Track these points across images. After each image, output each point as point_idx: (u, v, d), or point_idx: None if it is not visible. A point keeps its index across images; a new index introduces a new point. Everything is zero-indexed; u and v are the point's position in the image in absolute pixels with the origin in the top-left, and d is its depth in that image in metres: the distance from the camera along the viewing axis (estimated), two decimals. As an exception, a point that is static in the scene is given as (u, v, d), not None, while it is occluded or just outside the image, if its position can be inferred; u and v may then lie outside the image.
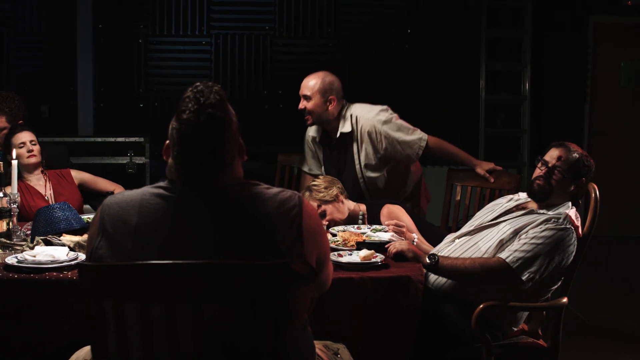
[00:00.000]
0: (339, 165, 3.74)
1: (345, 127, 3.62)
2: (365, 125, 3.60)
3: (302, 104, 3.61)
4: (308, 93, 3.58)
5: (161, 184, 1.70)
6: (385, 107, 3.68)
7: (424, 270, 2.59)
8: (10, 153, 3.39)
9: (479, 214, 2.92)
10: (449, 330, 2.58)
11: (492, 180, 3.60)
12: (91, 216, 3.11)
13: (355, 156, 3.66)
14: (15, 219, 2.88)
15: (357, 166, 3.67)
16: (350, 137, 3.63)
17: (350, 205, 3.32)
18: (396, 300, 2.42)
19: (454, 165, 3.87)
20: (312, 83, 3.58)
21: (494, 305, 2.49)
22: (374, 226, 3.11)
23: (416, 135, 3.64)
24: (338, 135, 3.63)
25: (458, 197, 3.77)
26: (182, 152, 1.67)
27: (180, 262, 1.54)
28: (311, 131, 3.80)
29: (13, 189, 2.93)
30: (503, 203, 2.87)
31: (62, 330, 2.29)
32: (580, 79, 6.75)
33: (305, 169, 3.95)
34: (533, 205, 2.75)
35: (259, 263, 1.57)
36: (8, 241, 2.74)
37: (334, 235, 2.97)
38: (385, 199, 3.44)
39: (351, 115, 3.62)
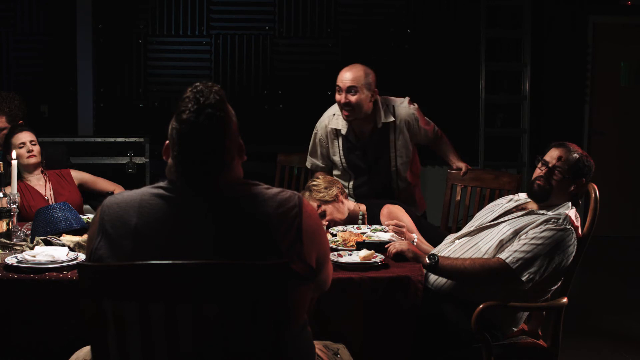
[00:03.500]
0: (370, 156, 3.69)
1: (387, 117, 3.62)
2: (403, 115, 3.65)
3: (345, 98, 3.49)
4: (356, 85, 3.48)
5: (161, 184, 1.70)
6: (406, 98, 3.74)
7: (424, 271, 2.59)
8: (10, 153, 3.39)
9: (478, 214, 2.92)
10: (448, 331, 2.58)
11: (461, 174, 3.77)
12: (91, 216, 3.11)
13: (392, 145, 3.66)
14: (15, 219, 2.88)
15: (392, 154, 3.67)
16: (389, 126, 3.64)
17: (350, 205, 3.32)
18: (396, 300, 2.41)
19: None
20: (357, 75, 3.49)
21: (494, 306, 2.49)
22: (374, 226, 3.11)
23: (431, 126, 3.79)
24: (380, 125, 3.61)
25: (458, 198, 3.77)
26: (182, 152, 1.67)
27: (180, 263, 1.54)
28: (333, 124, 3.69)
29: (13, 189, 2.93)
30: (503, 203, 2.87)
31: (62, 330, 2.29)
32: (580, 79, 6.75)
33: (309, 164, 3.87)
34: (533, 206, 2.75)
35: (258, 263, 1.57)
36: (8, 241, 2.74)
37: (333, 235, 2.97)
38: (387, 199, 3.44)
39: (387, 105, 3.64)
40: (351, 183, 3.77)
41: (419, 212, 3.82)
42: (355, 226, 3.16)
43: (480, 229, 2.76)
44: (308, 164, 3.89)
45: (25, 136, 3.63)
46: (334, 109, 3.72)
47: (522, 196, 2.85)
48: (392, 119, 3.62)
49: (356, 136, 3.67)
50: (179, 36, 6.41)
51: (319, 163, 3.83)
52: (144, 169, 5.70)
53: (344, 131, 3.66)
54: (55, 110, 6.37)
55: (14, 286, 2.32)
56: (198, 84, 1.68)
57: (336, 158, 3.75)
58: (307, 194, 3.22)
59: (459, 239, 2.81)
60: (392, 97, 3.71)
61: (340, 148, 3.71)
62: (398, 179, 3.72)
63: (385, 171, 3.70)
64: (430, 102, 6.65)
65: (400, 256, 2.65)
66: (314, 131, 3.80)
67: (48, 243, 2.68)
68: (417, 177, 3.87)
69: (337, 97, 3.54)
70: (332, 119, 3.70)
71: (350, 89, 3.48)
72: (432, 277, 2.69)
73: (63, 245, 2.64)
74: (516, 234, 2.60)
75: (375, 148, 3.68)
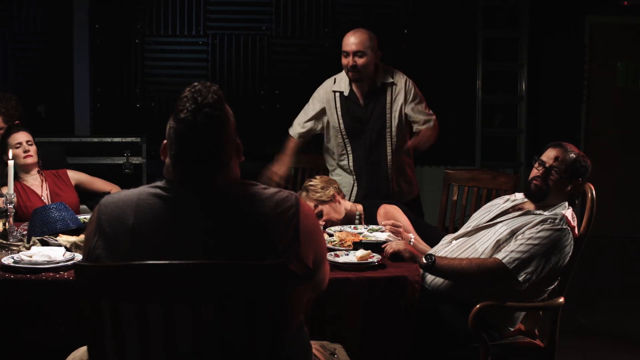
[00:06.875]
0: (366, 116, 3.74)
1: (387, 78, 3.73)
2: (401, 79, 3.76)
3: (353, 61, 3.60)
4: (362, 49, 3.59)
5: (158, 183, 1.70)
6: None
7: (421, 271, 2.59)
8: (6, 153, 3.39)
9: (475, 214, 2.92)
10: (446, 331, 2.58)
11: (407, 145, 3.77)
12: (87, 216, 3.11)
13: (388, 106, 3.73)
14: (11, 220, 2.88)
15: (389, 115, 3.73)
16: (387, 87, 3.73)
17: (347, 205, 3.32)
18: (393, 300, 2.41)
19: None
20: (363, 39, 3.60)
21: (491, 306, 2.49)
22: (371, 226, 3.11)
23: (428, 112, 3.80)
24: (379, 84, 3.71)
25: (455, 197, 3.77)
26: (180, 152, 1.66)
27: (177, 262, 1.54)
28: (336, 86, 3.78)
29: (10, 189, 2.92)
30: (500, 204, 2.87)
31: (59, 331, 2.28)
32: (576, 79, 6.75)
33: (291, 131, 3.88)
34: (530, 206, 2.75)
35: (256, 263, 1.57)
36: (4, 241, 2.74)
37: (330, 235, 2.97)
38: (383, 199, 3.44)
39: (387, 70, 3.76)
40: (344, 150, 3.80)
41: (413, 194, 3.91)
42: (352, 226, 3.15)
43: (477, 229, 2.76)
44: (291, 131, 3.91)
45: (22, 136, 3.63)
46: (335, 76, 3.83)
47: (519, 196, 2.86)
48: (391, 80, 3.73)
49: (357, 95, 3.74)
50: (176, 36, 6.40)
51: (299, 129, 3.86)
52: (140, 169, 5.69)
53: (346, 92, 3.75)
54: (52, 110, 6.35)
55: (10, 286, 2.31)
56: (196, 83, 1.68)
57: (333, 119, 3.80)
58: (304, 194, 3.23)
59: (456, 240, 2.81)
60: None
61: (339, 109, 3.77)
62: (392, 149, 3.76)
63: (380, 133, 3.74)
64: (428, 102, 6.64)
65: (397, 256, 2.65)
66: (312, 98, 3.87)
67: (45, 243, 2.68)
68: (411, 159, 3.92)
69: (344, 61, 3.65)
70: (333, 85, 3.80)
71: (356, 53, 3.60)
72: (429, 277, 2.69)
73: (60, 245, 2.64)
74: (513, 234, 2.60)
75: (374, 106, 3.74)
